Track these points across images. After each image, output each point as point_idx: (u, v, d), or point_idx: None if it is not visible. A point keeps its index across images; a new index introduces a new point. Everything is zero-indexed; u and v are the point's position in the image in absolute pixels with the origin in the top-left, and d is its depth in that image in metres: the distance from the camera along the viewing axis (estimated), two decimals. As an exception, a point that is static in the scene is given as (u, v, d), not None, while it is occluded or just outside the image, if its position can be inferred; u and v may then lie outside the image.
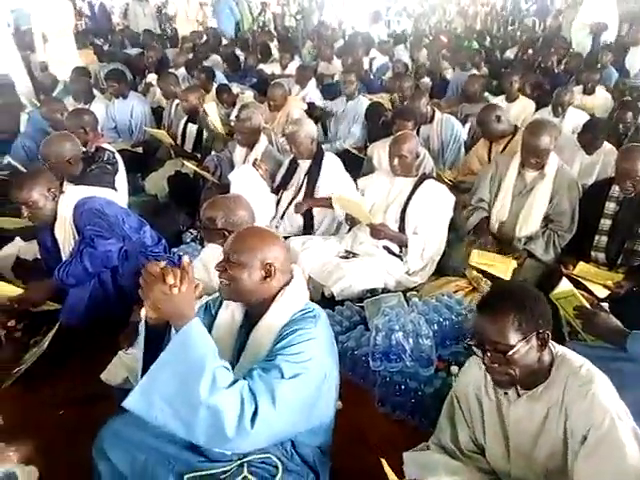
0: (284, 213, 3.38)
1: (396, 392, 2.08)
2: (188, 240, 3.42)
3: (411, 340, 2.10)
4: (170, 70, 5.99)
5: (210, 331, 1.64)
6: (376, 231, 2.92)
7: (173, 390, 1.31)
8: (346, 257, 3.00)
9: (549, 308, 1.48)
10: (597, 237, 2.73)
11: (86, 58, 6.98)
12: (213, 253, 2.20)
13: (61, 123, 3.68)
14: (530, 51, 7.24)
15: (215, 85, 5.33)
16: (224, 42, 8.71)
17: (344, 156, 3.83)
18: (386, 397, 2.12)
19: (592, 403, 1.36)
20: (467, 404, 1.61)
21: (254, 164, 3.44)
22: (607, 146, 3.41)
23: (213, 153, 4.03)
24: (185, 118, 4.49)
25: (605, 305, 2.21)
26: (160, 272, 1.33)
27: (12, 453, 1.88)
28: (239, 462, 1.54)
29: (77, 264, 2.39)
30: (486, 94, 4.89)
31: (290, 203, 3.36)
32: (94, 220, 2.46)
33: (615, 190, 2.70)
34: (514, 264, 2.75)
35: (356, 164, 3.88)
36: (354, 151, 4.44)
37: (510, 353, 1.37)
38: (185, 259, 1.39)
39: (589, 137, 3.35)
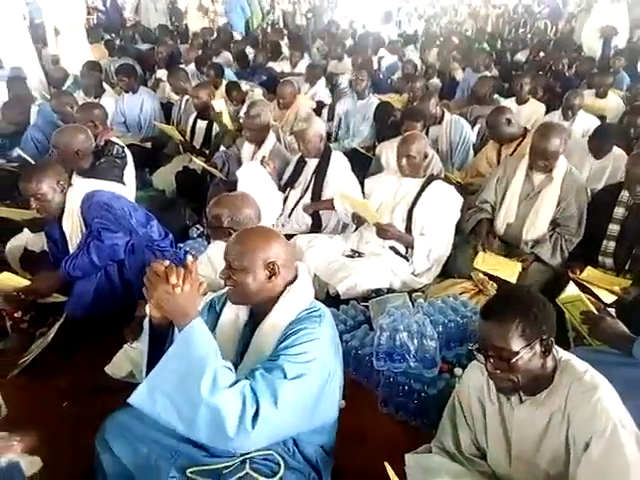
0: (292, 212, 3.38)
1: (399, 393, 2.07)
2: (194, 235, 3.43)
3: (415, 341, 2.09)
4: (180, 66, 6.00)
5: (214, 329, 1.65)
6: (382, 231, 2.91)
7: (175, 388, 1.33)
8: (352, 256, 3.00)
9: (554, 314, 1.46)
10: (605, 242, 2.71)
11: (97, 52, 7.01)
12: (219, 249, 2.18)
13: (71, 116, 3.70)
14: (541, 54, 7.21)
15: (224, 82, 5.35)
16: (235, 39, 8.71)
17: (352, 155, 3.82)
18: (389, 397, 2.12)
19: (595, 410, 1.35)
20: (469, 407, 1.60)
21: (262, 161, 3.45)
22: (617, 151, 3.38)
23: (221, 149, 4.04)
24: (195, 114, 4.50)
25: (612, 311, 2.21)
26: (164, 271, 1.34)
27: (16, 443, 1.88)
28: (241, 458, 1.54)
29: (84, 257, 2.40)
30: (496, 96, 4.87)
31: (298, 202, 3.37)
32: (102, 213, 2.47)
33: (624, 195, 2.68)
34: (519, 267, 2.74)
35: (364, 163, 3.87)
36: (362, 150, 4.43)
37: (513, 360, 1.36)
38: (189, 258, 1.40)
39: (598, 142, 3.34)
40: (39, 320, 2.57)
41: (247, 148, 3.75)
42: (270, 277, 1.53)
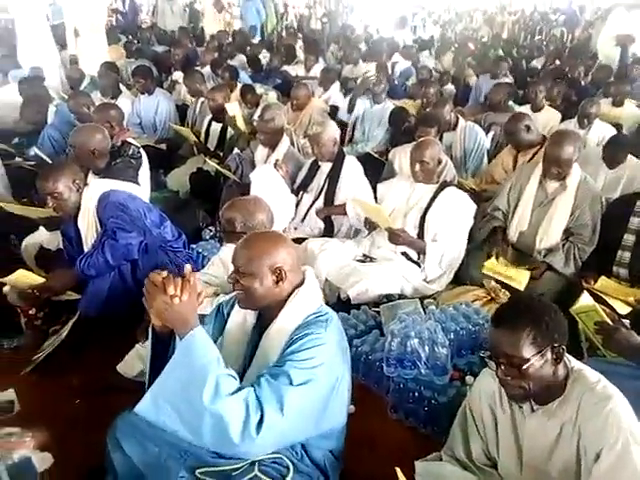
0: (305, 215, 3.39)
1: (409, 399, 2.07)
2: (207, 237, 3.45)
3: (427, 348, 2.09)
4: (196, 68, 6.05)
5: (222, 333, 1.66)
6: (395, 236, 2.90)
7: (178, 396, 1.35)
8: (363, 261, 3.00)
9: (565, 322, 1.46)
10: (620, 252, 2.69)
11: (115, 54, 7.08)
12: (232, 252, 2.21)
13: (88, 116, 3.74)
14: (557, 62, 7.17)
15: (239, 84, 5.38)
16: (250, 42, 8.77)
17: (365, 160, 3.83)
18: (399, 404, 2.11)
19: (606, 422, 1.35)
20: (481, 415, 1.59)
21: (275, 165, 3.46)
22: (633, 160, 3.35)
23: (235, 152, 4.06)
24: (209, 116, 4.53)
25: (626, 322, 2.18)
26: (162, 282, 1.37)
27: (28, 439, 1.90)
28: (251, 460, 1.54)
29: (98, 255, 2.42)
30: (511, 103, 4.85)
31: (311, 206, 3.37)
32: (117, 213, 2.49)
33: (640, 205, 2.65)
34: (528, 276, 2.72)
35: (377, 168, 3.87)
36: (375, 155, 4.43)
37: (524, 367, 1.36)
38: (187, 268, 1.42)
39: (611, 152, 3.32)
40: (53, 318, 2.60)
41: (261, 151, 3.77)
42: (277, 282, 1.54)
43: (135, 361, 2.26)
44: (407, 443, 2.03)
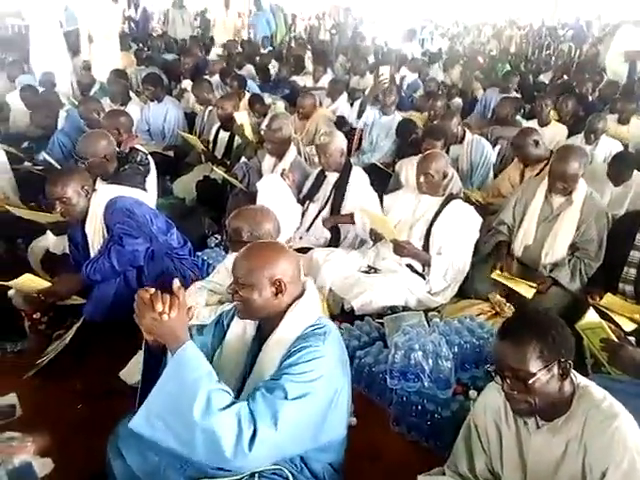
0: (310, 225, 3.39)
1: (412, 412, 2.05)
2: (213, 245, 3.45)
3: (430, 361, 2.08)
4: (205, 77, 6.10)
5: (221, 343, 1.67)
6: (400, 248, 2.90)
7: (170, 412, 1.35)
8: (368, 272, 3.00)
9: (572, 337, 1.46)
10: (626, 269, 2.68)
11: (125, 61, 7.16)
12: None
13: (97, 122, 3.77)
14: (565, 77, 7.18)
15: (247, 93, 5.42)
16: (260, 52, 8.86)
17: (371, 171, 3.84)
18: (402, 417, 2.10)
19: (612, 440, 1.33)
20: (485, 431, 1.58)
21: (282, 174, 3.47)
22: (639, 177, 3.35)
23: (242, 160, 4.08)
24: (218, 125, 4.56)
25: (632, 339, 2.17)
26: (150, 299, 1.38)
27: (30, 444, 1.90)
28: (250, 472, 1.53)
29: (104, 261, 2.43)
30: (518, 117, 4.86)
31: (317, 215, 3.38)
32: (124, 219, 2.50)
33: (647, 222, 2.65)
34: (533, 290, 2.71)
35: (383, 179, 3.88)
36: (381, 166, 4.45)
37: (530, 381, 1.35)
38: (175, 283, 1.43)
39: (616, 169, 3.33)
40: (57, 322, 2.60)
41: (268, 160, 3.79)
42: (276, 294, 1.53)
43: (138, 368, 2.25)
44: (409, 457, 2.02)
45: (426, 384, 2.08)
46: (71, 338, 2.40)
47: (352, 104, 5.71)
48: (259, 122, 4.80)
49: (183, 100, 5.92)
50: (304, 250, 3.19)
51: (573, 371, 1.44)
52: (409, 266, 2.94)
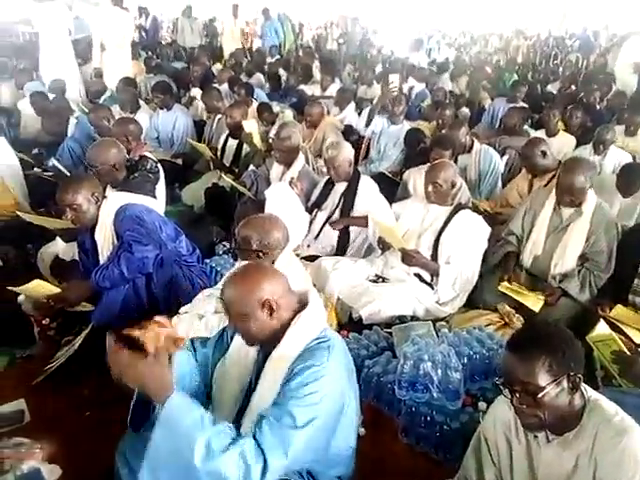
0: (318, 233, 3.40)
1: (421, 423, 2.04)
2: (221, 252, 3.46)
3: (440, 371, 2.06)
4: (214, 85, 6.14)
5: (223, 357, 1.67)
6: (408, 257, 2.90)
7: (172, 464, 1.33)
8: (376, 281, 2.99)
9: (582, 350, 1.45)
10: (636, 281, 2.67)
11: (135, 69, 7.22)
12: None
13: (107, 130, 3.80)
14: (573, 87, 7.19)
15: (255, 102, 5.45)
16: (268, 61, 8.92)
17: (379, 179, 3.84)
18: (410, 428, 2.08)
19: (623, 455, 1.32)
20: (495, 443, 1.57)
21: (290, 182, 3.49)
22: (649, 188, 3.34)
23: (251, 168, 4.10)
24: (226, 133, 4.59)
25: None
26: (118, 347, 1.33)
27: (38, 450, 1.90)
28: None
29: (114, 268, 2.44)
30: (526, 127, 4.86)
31: (324, 224, 3.38)
32: (133, 226, 2.51)
33: (657, 233, 2.64)
34: (542, 301, 2.70)
35: (390, 188, 3.88)
36: (389, 175, 4.45)
37: (540, 395, 1.34)
38: (158, 318, 1.40)
39: (625, 181, 3.31)
40: (66, 328, 2.61)
41: (276, 169, 3.80)
42: (271, 314, 1.52)
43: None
44: (418, 468, 2.00)
45: (435, 395, 2.07)
46: (80, 344, 2.40)
47: (360, 113, 5.74)
48: (267, 130, 4.83)
49: (192, 108, 5.97)
50: (312, 258, 3.20)
51: (583, 384, 1.43)
52: (417, 275, 2.93)
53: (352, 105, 5.80)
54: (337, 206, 3.39)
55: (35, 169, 4.32)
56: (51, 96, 5.30)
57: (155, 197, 3.12)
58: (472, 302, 2.93)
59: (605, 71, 7.88)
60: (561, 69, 9.61)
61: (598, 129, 4.14)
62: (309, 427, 1.38)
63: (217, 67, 8.44)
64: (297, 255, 2.85)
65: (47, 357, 2.48)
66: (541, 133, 4.53)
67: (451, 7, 15.98)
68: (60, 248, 3.07)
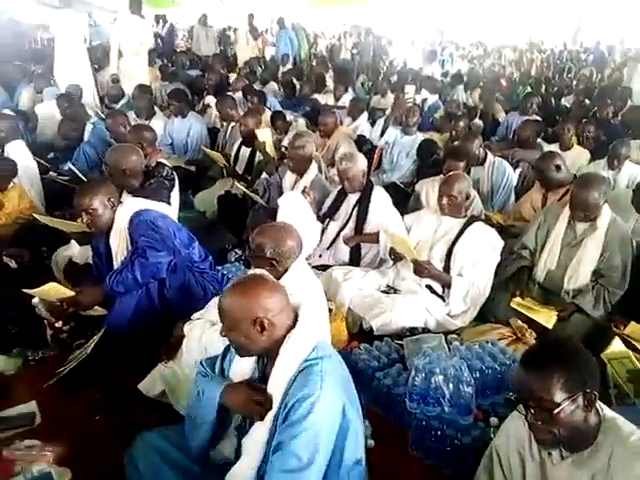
0: (331, 243, 3.40)
1: (432, 437, 2.01)
2: (232, 259, 3.47)
3: (451, 385, 2.05)
4: (228, 93, 6.20)
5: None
6: (420, 268, 2.89)
7: None
8: (387, 292, 2.99)
9: (597, 367, 1.43)
10: (652, 298, 2.64)
11: (150, 76, 7.30)
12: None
13: (123, 135, 3.84)
14: (587, 101, 7.16)
15: (269, 111, 5.49)
16: (282, 70, 8.99)
17: (391, 189, 3.84)
18: (420, 441, 2.06)
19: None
20: (508, 460, 1.55)
21: (303, 191, 3.50)
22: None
23: (263, 176, 4.12)
24: (239, 141, 4.62)
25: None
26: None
27: (49, 453, 1.91)
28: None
29: (128, 273, 2.45)
30: (539, 140, 4.84)
31: (338, 234, 3.38)
32: (148, 232, 2.53)
33: (673, 250, 2.61)
34: (555, 317, 2.67)
35: (402, 199, 3.88)
36: (401, 185, 4.45)
37: (556, 411, 1.33)
38: None
39: (640, 198, 3.27)
40: (78, 332, 2.62)
41: (289, 177, 3.82)
42: (262, 332, 1.51)
43: (156, 381, 2.27)
44: (428, 482, 1.99)
45: (446, 409, 2.05)
46: (92, 349, 2.41)
47: (372, 123, 5.76)
48: (280, 139, 4.85)
49: (206, 115, 6.02)
50: (323, 268, 3.20)
51: (599, 402, 1.42)
52: (429, 287, 2.92)
53: (365, 115, 5.81)
54: (350, 217, 3.39)
55: (51, 173, 4.38)
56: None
57: (170, 204, 3.14)
58: (483, 316, 2.91)
59: (621, 85, 7.84)
60: (575, 82, 9.57)
61: (613, 143, 4.12)
62: (317, 458, 1.41)
63: (233, 76, 8.54)
64: (309, 264, 2.85)
65: (59, 360, 2.50)
66: (555, 147, 4.51)
67: (465, 19, 16.05)
68: (74, 252, 3.10)
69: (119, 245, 2.59)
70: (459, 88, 7.79)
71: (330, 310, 2.56)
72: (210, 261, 2.88)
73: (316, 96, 7.09)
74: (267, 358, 1.59)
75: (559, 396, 1.33)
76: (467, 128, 4.85)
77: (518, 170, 4.27)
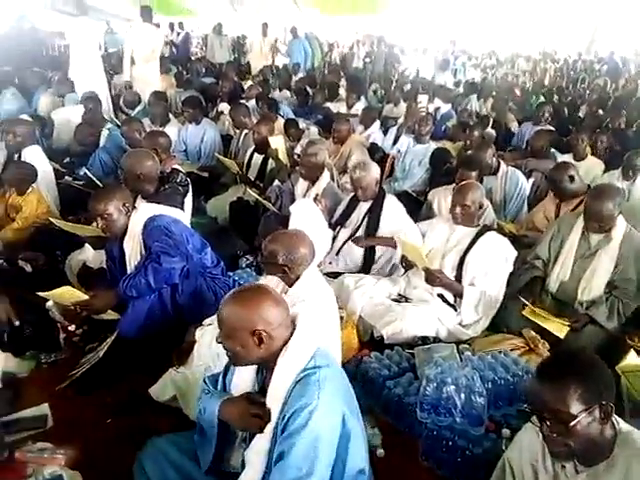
0: (340, 250, 3.40)
1: (442, 448, 2.00)
2: (244, 265, 3.48)
3: (463, 395, 2.03)
4: (242, 101, 6.25)
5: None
6: (432, 277, 2.88)
7: None
8: (398, 300, 2.98)
9: (612, 378, 1.42)
10: (667, 310, 2.60)
11: (165, 83, 7.38)
12: (269, 284, 2.22)
13: (138, 142, 3.89)
14: (600, 111, 7.11)
15: (282, 119, 5.52)
16: (295, 78, 9.04)
17: (403, 198, 3.84)
18: (431, 451, 2.04)
19: None
20: (521, 472, 1.54)
21: (315, 199, 3.51)
22: (681, 216, 3.26)
23: (275, 183, 4.14)
24: (252, 148, 4.65)
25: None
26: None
27: (60, 455, 1.92)
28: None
29: (141, 278, 2.47)
30: (553, 150, 4.81)
31: (347, 241, 3.39)
32: (161, 237, 2.55)
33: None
34: (567, 327, 2.65)
35: (414, 207, 3.87)
36: (413, 194, 4.45)
37: (572, 424, 1.31)
38: None
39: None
40: (91, 336, 2.64)
41: (301, 184, 3.84)
42: (259, 344, 1.50)
43: (168, 386, 2.27)
44: (438, 494, 1.97)
45: (458, 419, 2.03)
46: (104, 352, 2.43)
47: (385, 132, 5.77)
48: (293, 146, 4.88)
49: (219, 123, 6.06)
50: (334, 275, 3.20)
51: (615, 415, 1.40)
52: (440, 296, 2.91)
53: (377, 123, 5.83)
54: (360, 224, 3.39)
55: (66, 177, 4.44)
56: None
57: (183, 209, 3.17)
58: (495, 326, 2.88)
59: (636, 96, 7.78)
60: (588, 93, 9.52)
61: (628, 154, 4.08)
62: (318, 467, 1.41)
63: (247, 83, 8.61)
64: (320, 271, 2.85)
65: (72, 363, 2.52)
66: (568, 157, 4.48)
67: (477, 29, 16.06)
68: (88, 256, 3.13)
69: (133, 249, 2.61)
70: (472, 97, 7.78)
71: (341, 318, 2.55)
72: (222, 267, 2.90)
73: (329, 104, 7.12)
74: (266, 370, 1.59)
75: (575, 408, 1.31)
76: (481, 137, 4.84)
77: (531, 180, 4.25)
